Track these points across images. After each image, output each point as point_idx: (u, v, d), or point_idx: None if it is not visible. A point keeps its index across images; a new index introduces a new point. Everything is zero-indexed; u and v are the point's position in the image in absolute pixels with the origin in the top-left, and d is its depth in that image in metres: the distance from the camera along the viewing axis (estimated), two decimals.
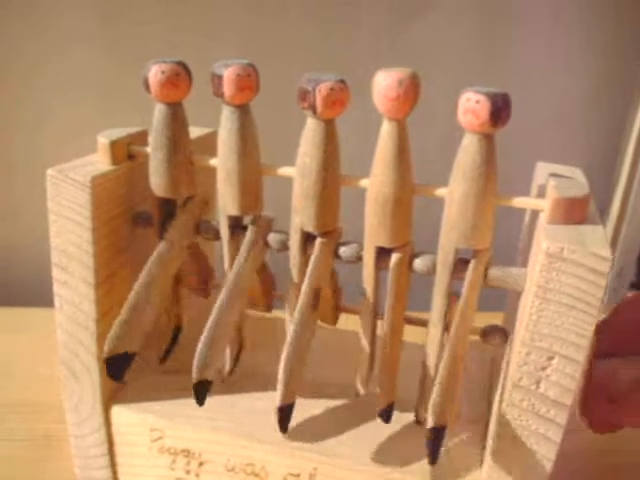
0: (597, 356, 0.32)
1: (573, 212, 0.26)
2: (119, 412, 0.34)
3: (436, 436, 0.27)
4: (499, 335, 0.32)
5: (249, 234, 0.31)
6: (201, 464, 0.34)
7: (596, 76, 0.66)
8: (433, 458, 0.27)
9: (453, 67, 0.62)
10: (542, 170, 0.33)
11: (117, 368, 0.29)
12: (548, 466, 0.28)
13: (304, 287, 0.30)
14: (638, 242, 0.72)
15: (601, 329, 0.33)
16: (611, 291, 0.74)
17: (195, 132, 0.36)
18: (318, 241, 0.30)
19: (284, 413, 0.29)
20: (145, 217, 0.33)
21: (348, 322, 0.34)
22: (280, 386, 0.28)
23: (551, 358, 0.26)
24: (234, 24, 0.59)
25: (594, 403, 0.32)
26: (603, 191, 0.71)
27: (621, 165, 0.68)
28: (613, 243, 0.71)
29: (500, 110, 0.25)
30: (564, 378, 0.26)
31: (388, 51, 0.61)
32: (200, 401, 0.29)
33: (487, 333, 0.32)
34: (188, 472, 0.34)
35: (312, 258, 0.30)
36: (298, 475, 0.32)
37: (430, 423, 0.26)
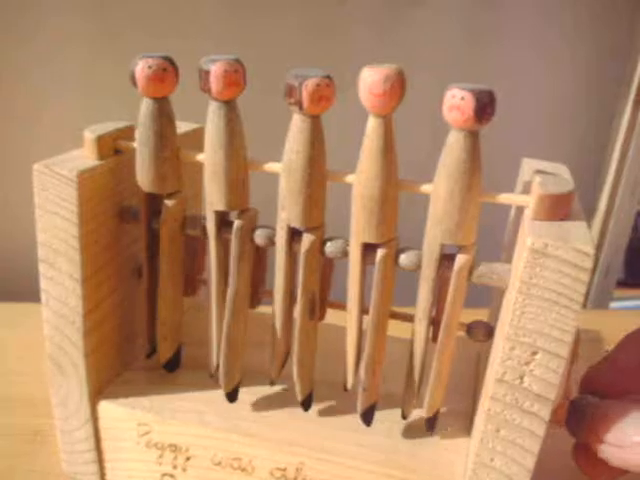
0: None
1: (557, 208, 0.26)
2: (106, 407, 0.34)
3: (432, 419, 0.33)
4: (484, 330, 0.32)
5: (235, 234, 0.31)
6: (188, 459, 0.34)
7: (584, 72, 0.66)
8: (431, 430, 0.33)
9: (441, 62, 0.63)
10: (528, 166, 0.33)
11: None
12: (532, 460, 0.28)
13: (299, 297, 0.31)
14: (625, 240, 0.73)
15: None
16: (598, 289, 0.74)
17: (182, 127, 0.36)
18: (305, 237, 0.30)
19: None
20: (132, 212, 0.33)
21: (334, 317, 0.35)
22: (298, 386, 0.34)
23: (535, 353, 0.26)
24: (221, 19, 0.59)
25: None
26: (590, 189, 0.71)
27: (608, 163, 0.69)
28: (600, 241, 0.71)
29: (485, 106, 0.25)
30: (547, 373, 0.26)
31: (376, 46, 0.62)
32: (232, 400, 0.35)
33: (472, 329, 0.32)
34: (175, 467, 0.34)
35: (301, 261, 0.30)
36: (285, 469, 0.32)
37: (425, 415, 0.32)
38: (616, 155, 0.67)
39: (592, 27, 0.65)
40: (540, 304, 0.25)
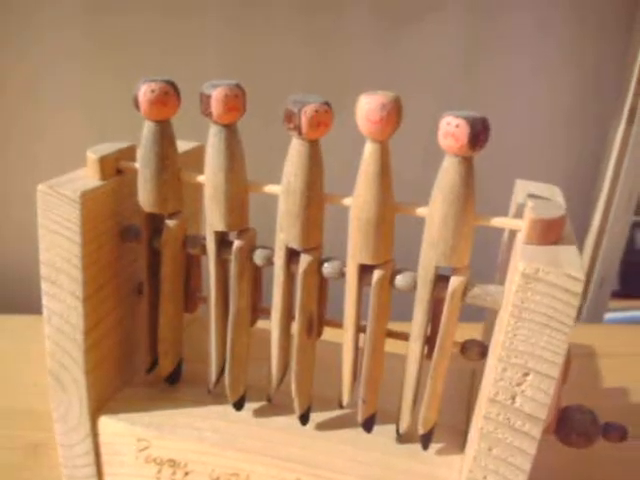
0: None
1: (549, 233, 0.27)
2: (106, 422, 0.35)
3: (427, 436, 0.33)
4: (478, 350, 0.32)
5: (235, 255, 0.32)
6: (186, 474, 0.34)
7: (578, 92, 0.67)
8: (426, 447, 0.34)
9: (437, 83, 0.63)
10: (521, 188, 0.34)
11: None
12: (523, 477, 0.29)
13: (297, 317, 0.32)
14: (619, 254, 0.73)
15: None
16: (593, 302, 0.75)
17: (183, 146, 0.37)
18: (303, 258, 0.31)
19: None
20: (133, 231, 0.33)
21: (330, 335, 0.35)
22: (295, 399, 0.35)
23: (526, 374, 0.27)
24: (221, 41, 0.60)
25: None
26: (585, 203, 0.72)
27: (602, 177, 0.69)
28: (594, 254, 0.72)
29: (479, 134, 0.26)
30: (539, 393, 0.27)
31: (374, 66, 0.62)
32: (239, 409, 0.36)
33: (466, 348, 0.33)
34: None
35: (299, 281, 0.31)
36: None
37: (421, 432, 0.33)
38: (610, 170, 0.68)
39: (585, 48, 0.65)
40: (532, 327, 0.26)
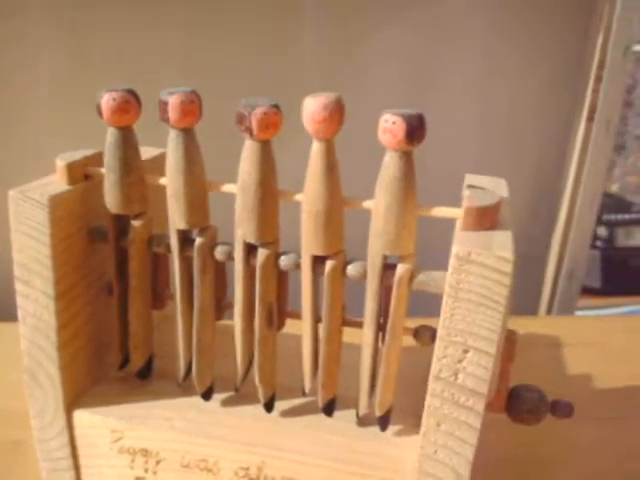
0: None
1: (483, 219, 0.29)
2: (81, 416, 0.36)
3: (384, 418, 0.35)
4: (429, 334, 0.34)
5: (197, 251, 0.34)
6: (158, 462, 0.36)
7: (538, 90, 0.69)
8: (383, 429, 0.36)
9: (392, 83, 0.66)
10: (469, 181, 0.36)
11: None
12: (470, 450, 0.31)
13: (257, 308, 0.34)
14: (586, 248, 0.76)
15: None
16: (562, 296, 0.77)
17: (149, 152, 0.39)
18: (260, 252, 0.33)
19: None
20: (101, 233, 0.35)
21: (295, 327, 0.37)
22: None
23: (466, 351, 0.29)
24: (181, 51, 0.63)
25: None
26: (552, 198, 0.74)
27: (567, 173, 0.72)
28: (562, 249, 0.74)
29: (415, 129, 0.28)
30: (479, 369, 0.29)
31: (335, 69, 0.65)
32: (207, 399, 0.38)
33: (418, 333, 0.35)
34: (146, 470, 0.36)
35: (257, 274, 0.33)
36: (247, 468, 0.35)
37: (378, 414, 0.35)
38: (573, 168, 0.70)
39: (544, 40, 0.68)
40: (467, 306, 0.28)
